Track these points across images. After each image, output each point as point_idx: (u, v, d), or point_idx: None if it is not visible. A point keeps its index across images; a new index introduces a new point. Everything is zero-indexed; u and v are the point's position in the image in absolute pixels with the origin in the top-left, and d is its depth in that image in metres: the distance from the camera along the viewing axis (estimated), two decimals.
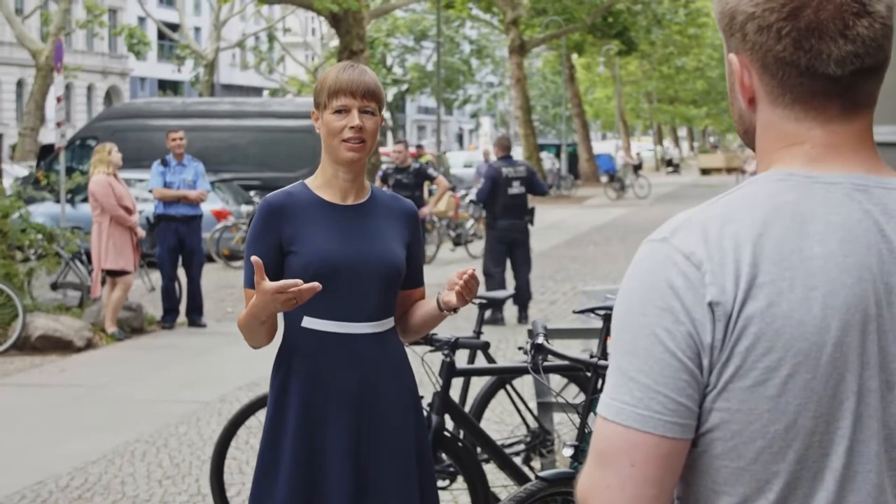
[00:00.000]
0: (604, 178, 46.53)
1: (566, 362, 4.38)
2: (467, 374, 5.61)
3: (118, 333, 11.93)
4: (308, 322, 3.44)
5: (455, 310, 3.44)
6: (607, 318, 5.51)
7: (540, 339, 4.30)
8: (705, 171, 62.00)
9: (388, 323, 3.53)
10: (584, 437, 4.30)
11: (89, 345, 11.48)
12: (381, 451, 3.47)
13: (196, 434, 8.07)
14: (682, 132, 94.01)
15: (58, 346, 11.29)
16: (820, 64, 1.48)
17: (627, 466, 1.46)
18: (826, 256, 1.44)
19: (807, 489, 1.46)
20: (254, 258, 3.20)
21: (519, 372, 5.67)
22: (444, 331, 5.02)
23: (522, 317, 12.77)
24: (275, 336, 3.50)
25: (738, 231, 1.46)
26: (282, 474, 3.43)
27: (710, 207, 1.52)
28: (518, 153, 28.68)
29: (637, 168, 46.45)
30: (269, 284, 3.16)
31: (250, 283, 3.43)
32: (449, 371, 5.05)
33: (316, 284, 3.17)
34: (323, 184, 3.52)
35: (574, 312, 5.69)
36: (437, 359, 5.10)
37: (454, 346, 5.07)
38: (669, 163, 64.75)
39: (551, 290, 15.55)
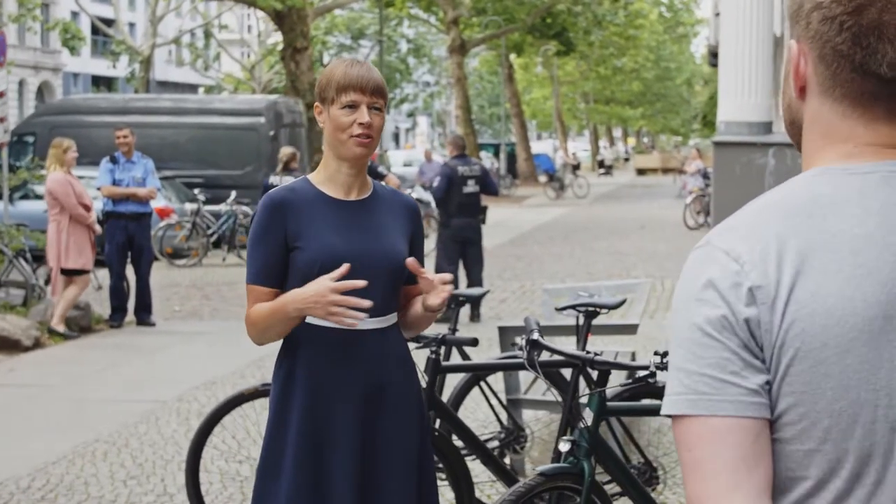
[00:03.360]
0: (543, 178, 46.64)
1: (562, 357, 4.37)
2: (453, 370, 5.56)
3: (67, 332, 11.75)
4: (313, 318, 3.39)
5: (437, 311, 3.45)
6: (588, 315, 5.52)
7: (535, 336, 4.29)
8: (641, 172, 62.44)
9: (392, 318, 3.50)
10: (572, 432, 4.29)
11: (37, 344, 11.30)
12: (386, 445, 3.44)
13: (157, 433, 7.95)
14: (618, 132, 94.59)
15: (4, 345, 11.09)
16: (873, 62, 1.51)
17: (685, 452, 1.50)
18: (866, 238, 1.49)
19: (879, 464, 1.48)
20: (345, 265, 3.25)
21: (508, 368, 5.65)
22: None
23: (475, 315, 12.77)
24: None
25: (779, 223, 1.51)
26: (286, 470, 3.39)
27: (751, 207, 1.57)
28: None
29: (576, 168, 46.66)
30: (324, 280, 3.24)
31: (255, 280, 3.39)
32: (435, 367, 5.02)
33: (360, 309, 3.22)
34: (326, 179, 3.48)
35: (556, 310, 5.68)
36: (421, 355, 5.05)
37: (441, 342, 5.03)
38: (601, 164, 63.49)
39: (500, 289, 15.56)
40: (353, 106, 3.37)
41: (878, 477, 1.48)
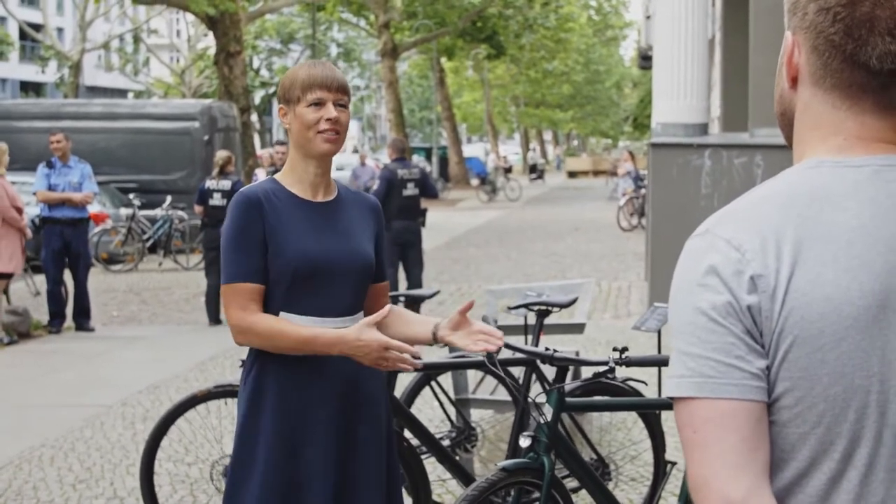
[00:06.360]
0: (475, 181, 46.74)
1: (523, 355, 4.44)
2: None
3: (5, 338, 11.64)
4: (285, 317, 3.43)
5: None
6: (540, 314, 5.60)
7: None
8: (572, 174, 62.77)
9: (360, 317, 3.55)
10: (534, 428, 4.36)
11: None
12: (358, 442, 3.49)
13: (102, 438, 7.93)
14: (548, 136, 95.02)
15: None
16: (863, 54, 1.58)
17: (691, 433, 1.56)
18: (860, 229, 1.56)
19: (869, 447, 1.55)
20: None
21: (463, 367, 5.70)
22: None
23: None
24: None
25: (777, 214, 1.57)
26: (258, 471, 3.42)
27: (748, 198, 1.63)
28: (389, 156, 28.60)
29: (508, 171, 46.86)
30: (379, 335, 3.31)
31: (239, 277, 3.38)
32: None
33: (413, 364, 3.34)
34: (295, 180, 3.52)
35: (509, 309, 5.76)
36: None
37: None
38: (533, 169, 62.22)
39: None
40: (318, 103, 3.43)
41: (868, 459, 1.55)
